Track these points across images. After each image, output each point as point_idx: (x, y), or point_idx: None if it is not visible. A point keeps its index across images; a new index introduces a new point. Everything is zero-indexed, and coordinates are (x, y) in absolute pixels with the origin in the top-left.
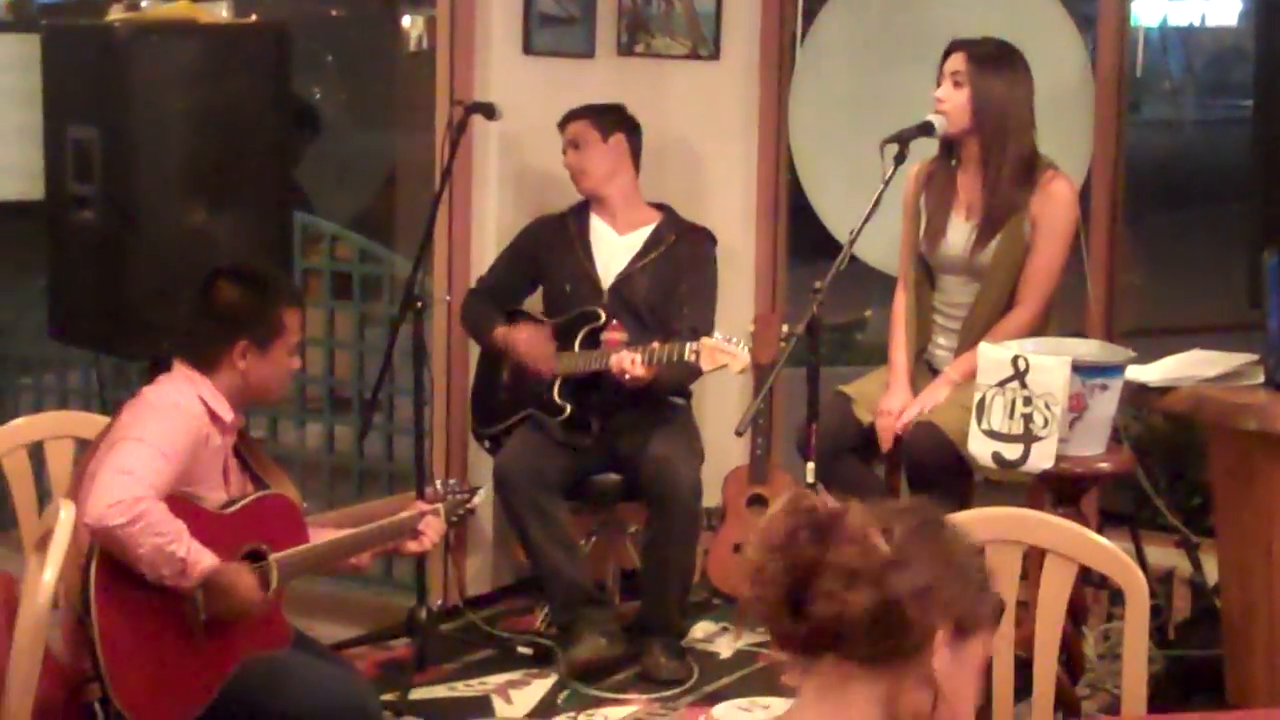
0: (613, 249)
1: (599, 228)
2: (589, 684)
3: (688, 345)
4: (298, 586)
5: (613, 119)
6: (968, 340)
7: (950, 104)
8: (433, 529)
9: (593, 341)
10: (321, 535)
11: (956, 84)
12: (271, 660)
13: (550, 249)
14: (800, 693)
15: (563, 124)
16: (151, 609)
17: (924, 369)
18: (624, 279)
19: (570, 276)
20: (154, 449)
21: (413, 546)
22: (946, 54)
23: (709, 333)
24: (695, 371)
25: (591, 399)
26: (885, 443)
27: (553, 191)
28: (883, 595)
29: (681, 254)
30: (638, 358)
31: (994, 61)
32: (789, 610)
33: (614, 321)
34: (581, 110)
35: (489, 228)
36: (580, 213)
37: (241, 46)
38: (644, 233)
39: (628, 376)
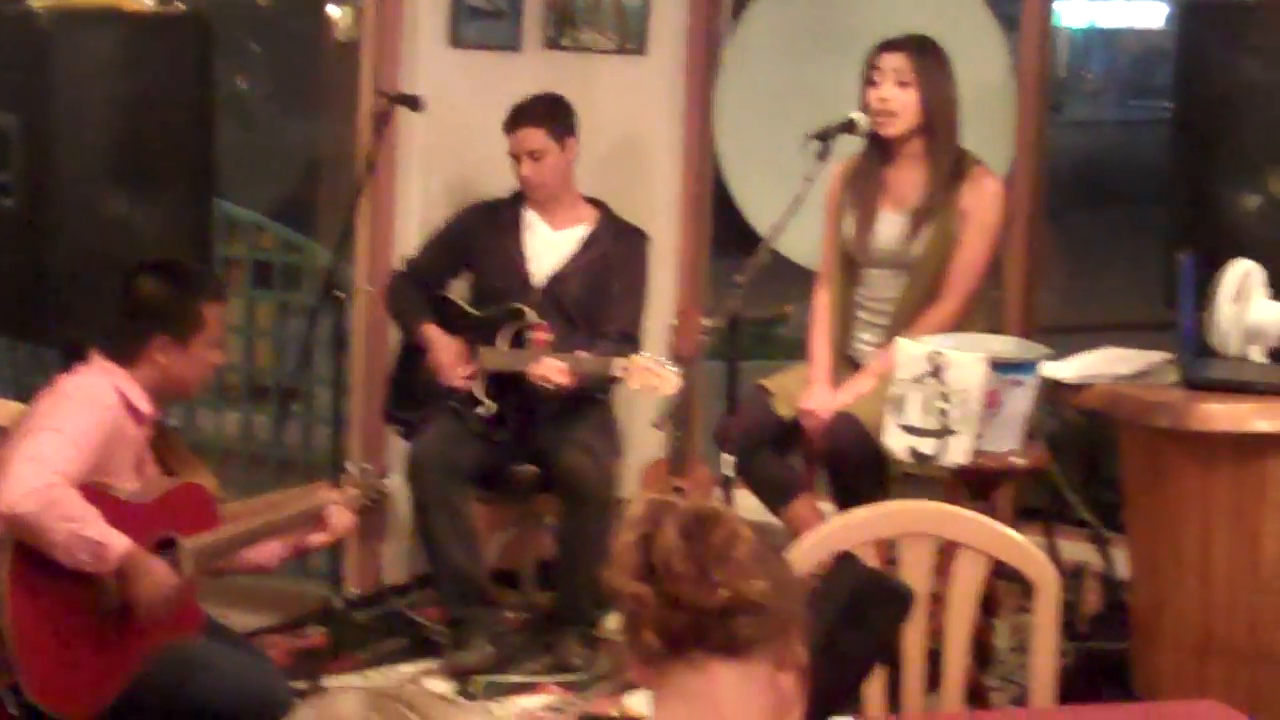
0: (546, 246)
1: (534, 223)
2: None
3: (616, 361)
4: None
5: (566, 123)
6: (896, 332)
7: (897, 103)
8: (340, 518)
9: (519, 340)
10: (235, 522)
11: (902, 84)
12: (184, 648)
13: (483, 239)
14: (662, 697)
15: (512, 128)
16: (63, 598)
17: (846, 364)
18: (556, 280)
19: (501, 271)
20: (67, 438)
21: (318, 539)
22: (878, 53)
23: (636, 334)
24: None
25: (513, 396)
26: (818, 441)
27: (477, 184)
28: (772, 582)
29: (615, 256)
30: (564, 367)
31: (934, 58)
32: (666, 602)
33: (542, 322)
34: (533, 115)
35: (411, 219)
36: (516, 204)
37: (165, 35)
38: (579, 231)
39: (551, 385)
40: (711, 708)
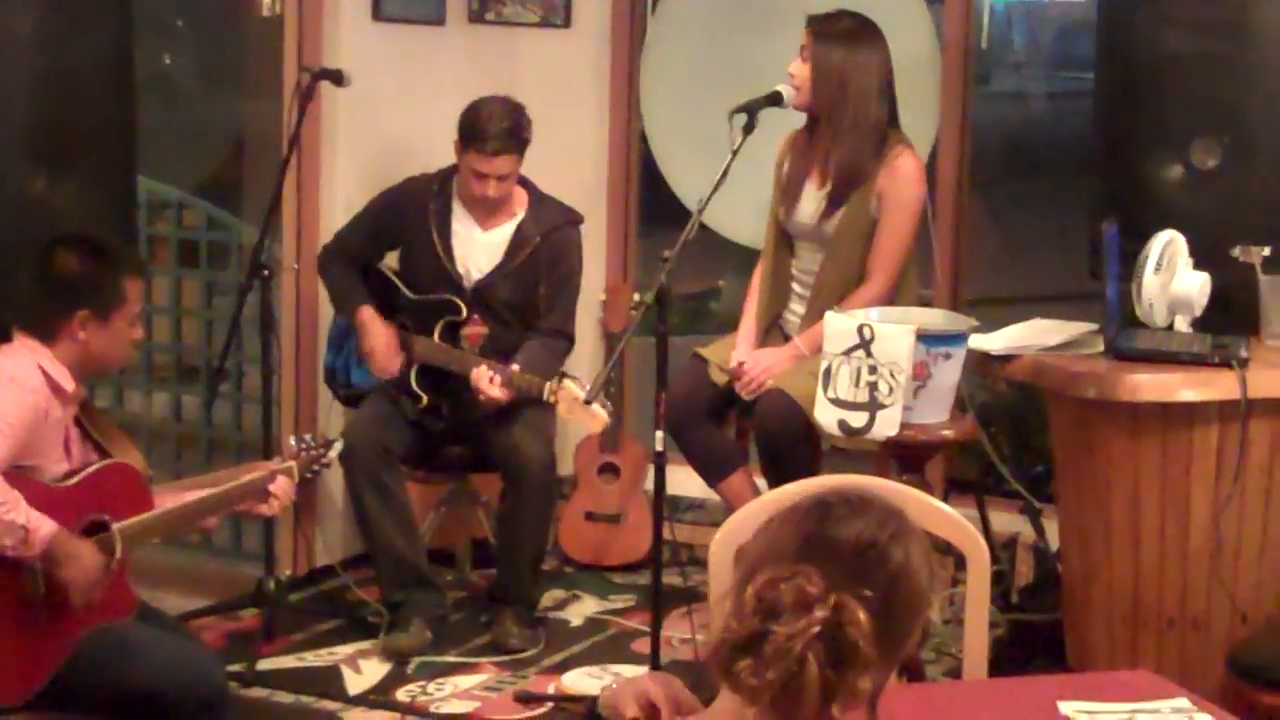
0: (475, 248)
1: (463, 220)
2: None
3: (547, 385)
4: (144, 557)
5: (526, 137)
6: (814, 308)
7: (799, 77)
8: (284, 488)
9: (452, 333)
10: (169, 502)
11: (804, 58)
12: (115, 632)
13: (411, 231)
14: None
15: (490, 153)
16: None
17: (778, 334)
18: (485, 285)
19: (431, 271)
20: None
21: (264, 509)
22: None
23: (570, 330)
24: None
25: (447, 386)
26: (748, 394)
27: (402, 158)
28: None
29: (545, 257)
30: (498, 378)
31: (838, 36)
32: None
33: (474, 316)
34: (512, 142)
35: (337, 195)
36: (444, 195)
37: (86, 10)
38: (507, 230)
39: (483, 397)
40: None
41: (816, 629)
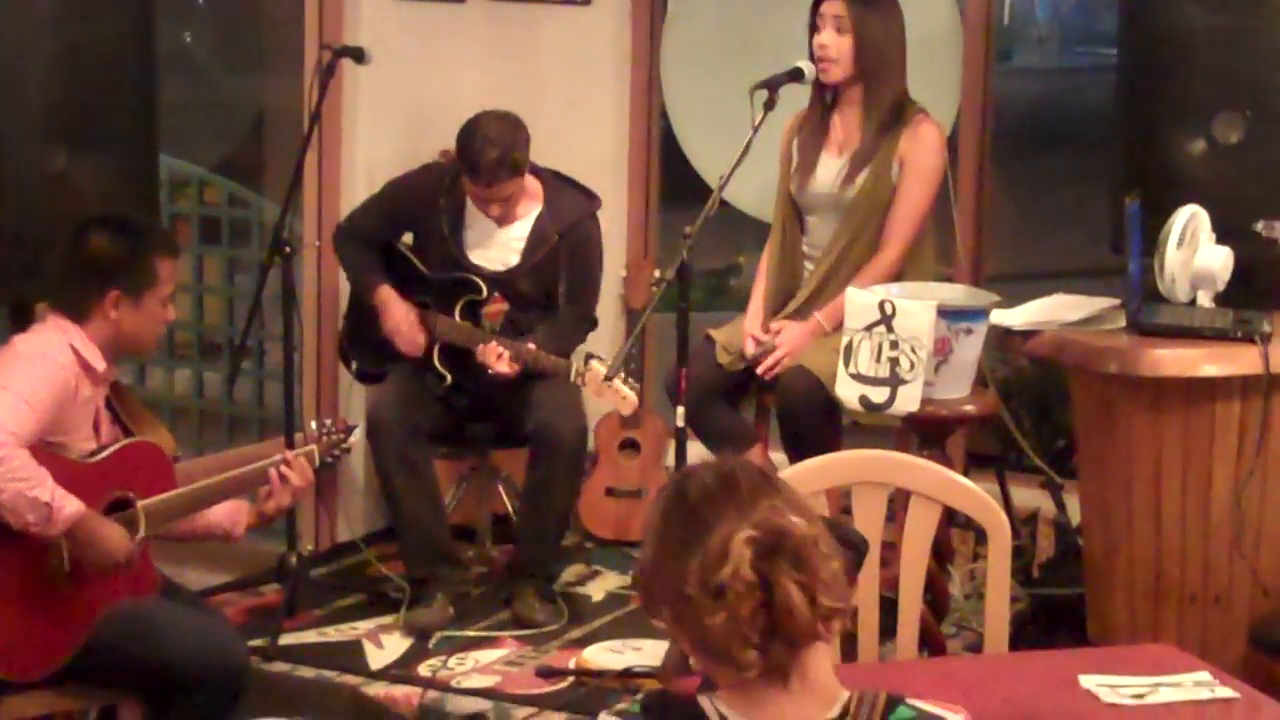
0: (491, 245)
1: (476, 219)
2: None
3: (574, 366)
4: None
5: (520, 160)
6: (832, 275)
7: (835, 49)
8: (299, 472)
9: (473, 311)
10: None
11: (839, 29)
12: (138, 608)
13: (422, 226)
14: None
15: (487, 182)
16: (12, 558)
17: (795, 314)
18: (504, 278)
19: (444, 265)
20: (17, 397)
21: (277, 503)
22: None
23: (592, 314)
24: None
25: (470, 363)
26: (765, 373)
27: (422, 135)
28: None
29: (564, 250)
30: (505, 353)
31: (873, 3)
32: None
33: (495, 294)
34: (510, 167)
35: (358, 172)
36: (454, 195)
37: None
38: (525, 226)
39: (490, 371)
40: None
41: (752, 547)
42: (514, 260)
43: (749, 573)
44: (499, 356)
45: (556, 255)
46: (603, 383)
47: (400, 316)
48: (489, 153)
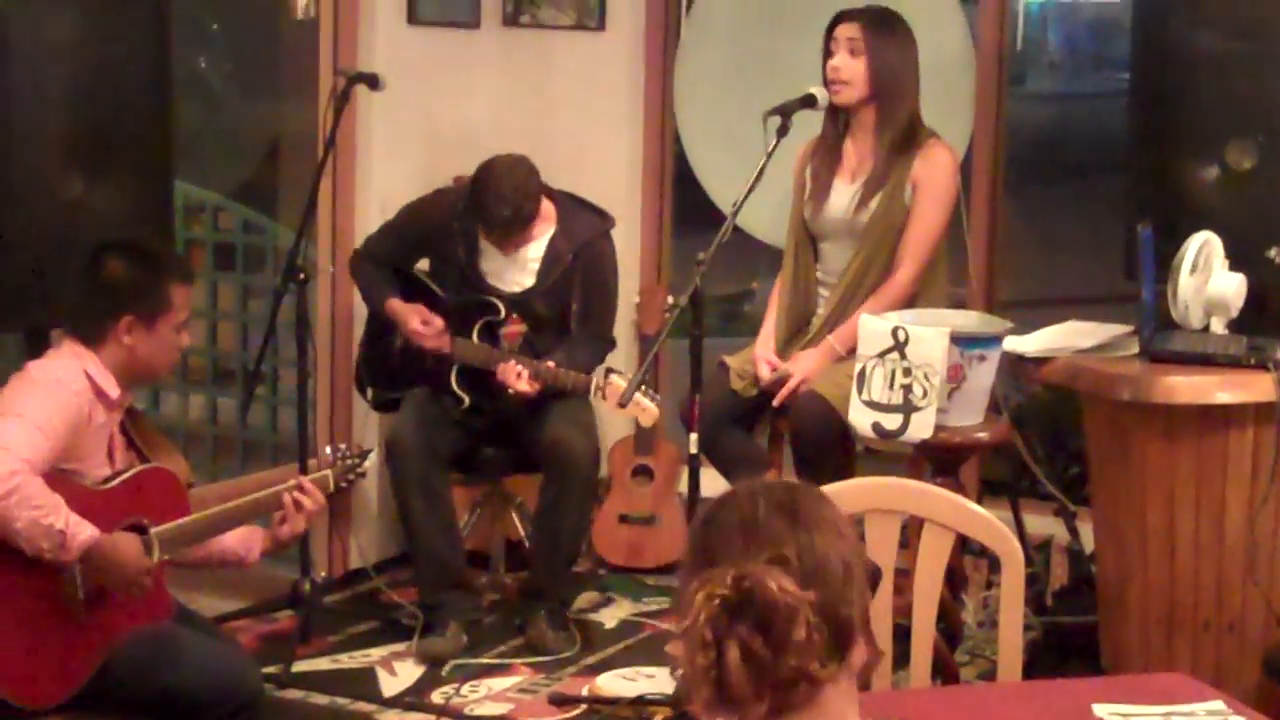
0: (506, 268)
1: (489, 253)
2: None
3: (594, 380)
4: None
5: (530, 212)
6: (848, 300)
7: (849, 72)
8: (313, 497)
9: (491, 332)
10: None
11: (853, 52)
12: (152, 634)
13: (438, 251)
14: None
15: (504, 234)
16: (27, 585)
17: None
18: (520, 301)
19: (462, 289)
20: (31, 424)
21: (291, 529)
22: (835, 24)
23: (609, 334)
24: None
25: (488, 386)
26: (776, 399)
27: (437, 161)
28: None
29: (579, 271)
30: (525, 372)
31: (888, 27)
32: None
33: (513, 315)
34: (510, 228)
35: (373, 198)
36: (469, 219)
37: (123, 13)
38: (539, 247)
39: (511, 390)
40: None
41: (717, 602)
42: (529, 281)
43: (706, 630)
44: (519, 375)
45: (572, 274)
46: (623, 397)
47: (410, 316)
48: (501, 210)
